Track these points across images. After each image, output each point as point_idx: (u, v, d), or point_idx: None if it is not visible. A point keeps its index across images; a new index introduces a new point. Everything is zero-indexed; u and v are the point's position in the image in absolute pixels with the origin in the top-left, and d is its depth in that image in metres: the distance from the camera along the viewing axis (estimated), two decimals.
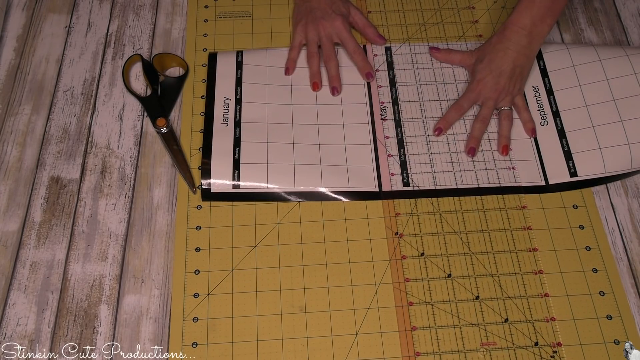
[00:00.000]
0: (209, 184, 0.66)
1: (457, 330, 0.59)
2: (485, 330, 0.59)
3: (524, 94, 0.72)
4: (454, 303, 0.60)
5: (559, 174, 0.67)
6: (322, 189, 0.66)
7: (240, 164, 0.66)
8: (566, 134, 0.69)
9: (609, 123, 0.69)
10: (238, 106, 0.71)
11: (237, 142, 0.68)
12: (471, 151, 0.69)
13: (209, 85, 0.73)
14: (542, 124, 0.71)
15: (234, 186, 0.66)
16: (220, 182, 0.66)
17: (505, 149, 0.69)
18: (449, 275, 0.62)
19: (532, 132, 0.70)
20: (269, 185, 0.66)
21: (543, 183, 0.67)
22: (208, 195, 0.66)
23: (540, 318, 0.60)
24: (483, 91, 0.70)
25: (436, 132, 0.70)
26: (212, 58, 0.75)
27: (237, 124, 0.69)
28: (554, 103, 0.72)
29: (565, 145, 0.69)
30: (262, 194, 0.66)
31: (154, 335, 0.59)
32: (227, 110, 0.70)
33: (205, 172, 0.66)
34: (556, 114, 0.71)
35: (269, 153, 0.67)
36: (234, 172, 0.66)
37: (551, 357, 0.58)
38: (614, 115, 0.69)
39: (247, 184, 0.66)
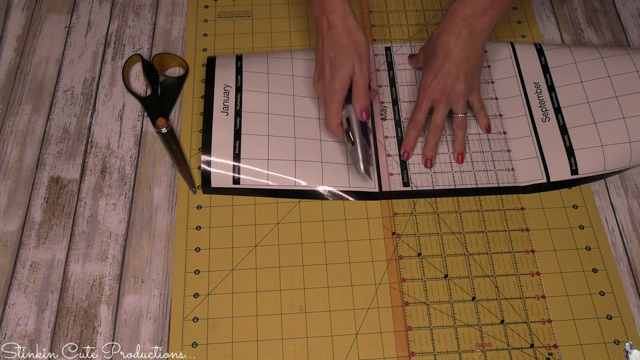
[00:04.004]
0: (209, 178, 0.65)
1: (453, 330, 0.59)
2: (481, 331, 0.59)
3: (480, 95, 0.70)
4: (450, 304, 0.60)
5: (560, 171, 0.67)
6: (323, 188, 0.66)
7: (241, 159, 0.66)
8: (568, 130, 0.69)
9: (610, 120, 0.68)
10: (239, 94, 0.70)
11: (237, 135, 0.67)
12: (427, 163, 0.67)
13: (208, 77, 0.71)
14: (544, 120, 0.70)
15: (235, 182, 0.65)
16: (220, 175, 0.65)
17: (460, 157, 0.68)
18: (446, 276, 0.62)
19: (487, 129, 0.70)
20: (270, 182, 0.66)
21: (544, 180, 0.67)
22: (208, 189, 0.66)
23: (537, 320, 0.60)
24: (431, 97, 0.66)
25: (405, 156, 0.68)
26: (211, 62, 0.73)
27: (238, 113, 0.69)
28: (555, 99, 0.72)
29: (567, 142, 0.68)
30: (262, 190, 0.66)
31: (154, 335, 0.59)
32: (227, 98, 0.69)
33: (205, 165, 0.66)
34: (558, 110, 0.71)
35: (270, 147, 0.67)
36: (234, 168, 0.66)
37: (547, 359, 0.58)
38: (615, 112, 0.69)
39: (247, 180, 0.65)
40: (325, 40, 0.64)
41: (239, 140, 0.67)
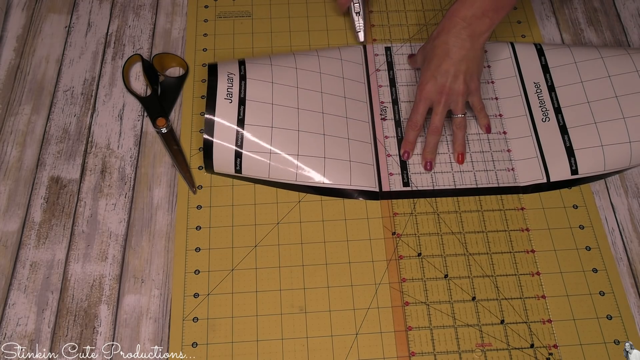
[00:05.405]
0: (212, 163, 0.65)
1: (453, 330, 0.59)
2: (481, 331, 0.59)
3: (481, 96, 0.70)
4: (450, 304, 0.60)
5: (560, 171, 0.67)
6: (323, 182, 0.66)
7: (243, 153, 0.65)
8: (568, 130, 0.69)
9: (610, 120, 0.68)
10: (243, 82, 0.68)
11: (240, 124, 0.66)
12: (427, 166, 0.67)
13: (209, 78, 0.69)
14: (544, 120, 0.70)
15: (237, 172, 0.66)
16: (222, 163, 0.65)
17: (460, 157, 0.68)
18: (446, 276, 0.62)
19: (488, 129, 0.70)
20: (271, 175, 0.66)
21: (544, 180, 0.67)
22: (210, 163, 0.66)
23: (537, 320, 0.60)
24: (429, 97, 0.66)
25: (404, 157, 0.68)
26: (212, 69, 0.70)
27: (242, 101, 0.67)
28: (555, 99, 0.71)
29: (567, 142, 0.68)
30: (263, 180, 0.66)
31: (154, 335, 0.59)
32: (231, 85, 0.68)
33: (208, 152, 0.65)
34: (558, 110, 0.71)
35: (272, 140, 0.66)
36: (235, 160, 0.65)
37: (547, 359, 0.58)
38: (616, 112, 0.69)
39: (248, 171, 0.66)
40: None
41: (242, 129, 0.66)
